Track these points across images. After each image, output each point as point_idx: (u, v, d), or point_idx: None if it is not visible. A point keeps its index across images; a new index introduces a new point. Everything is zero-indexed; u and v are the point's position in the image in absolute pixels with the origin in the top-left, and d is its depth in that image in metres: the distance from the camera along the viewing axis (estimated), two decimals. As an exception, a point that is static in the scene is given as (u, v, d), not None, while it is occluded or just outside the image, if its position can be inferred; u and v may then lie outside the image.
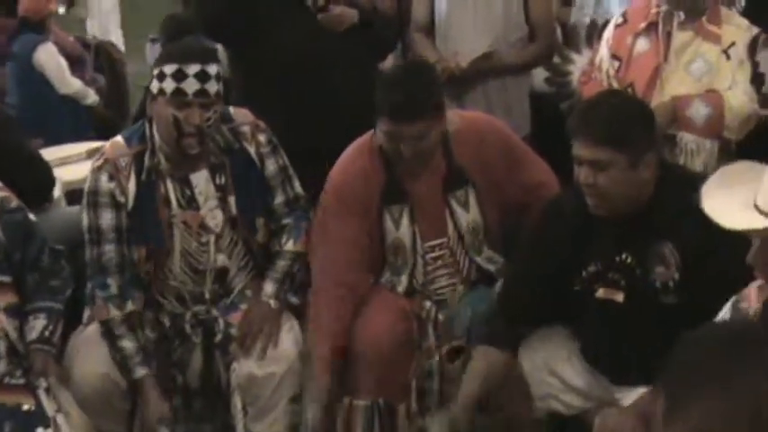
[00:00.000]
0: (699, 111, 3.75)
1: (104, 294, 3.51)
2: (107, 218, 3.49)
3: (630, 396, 3.26)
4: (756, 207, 2.38)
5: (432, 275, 3.70)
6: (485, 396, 3.39)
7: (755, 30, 3.87)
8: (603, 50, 3.97)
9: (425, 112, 3.47)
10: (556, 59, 4.24)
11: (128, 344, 3.48)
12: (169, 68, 3.40)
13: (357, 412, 3.62)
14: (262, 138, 3.61)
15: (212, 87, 3.40)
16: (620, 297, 3.27)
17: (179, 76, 3.38)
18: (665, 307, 3.19)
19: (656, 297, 3.19)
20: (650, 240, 3.14)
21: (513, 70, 4.49)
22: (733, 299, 2.57)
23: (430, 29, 4.57)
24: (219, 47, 4.42)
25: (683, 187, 3.10)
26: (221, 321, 3.59)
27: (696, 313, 2.77)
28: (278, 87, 4.21)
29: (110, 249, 3.50)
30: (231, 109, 3.64)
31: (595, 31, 4.26)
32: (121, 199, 3.49)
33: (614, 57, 3.93)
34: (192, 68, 3.38)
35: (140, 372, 3.48)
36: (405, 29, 4.60)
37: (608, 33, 4.04)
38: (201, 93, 3.39)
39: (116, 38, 8.31)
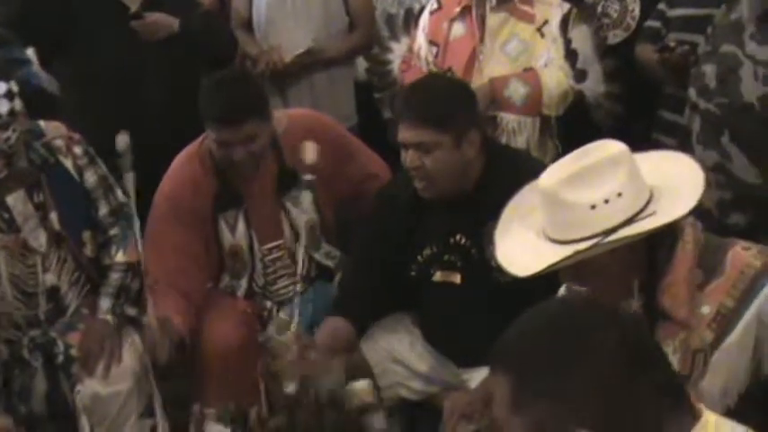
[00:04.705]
0: (517, 90, 3.80)
1: None
2: None
3: (477, 377, 3.31)
4: (548, 238, 2.33)
5: (271, 277, 3.71)
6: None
7: (566, 6, 3.91)
8: (421, 38, 4.00)
9: (251, 114, 3.45)
10: (375, 50, 4.25)
11: None
12: None
13: (209, 420, 3.61)
14: (77, 150, 3.49)
15: (2, 107, 3.24)
16: (457, 279, 3.32)
17: None
18: (501, 286, 3.22)
19: (493, 276, 3.25)
20: (482, 220, 3.15)
21: (336, 62, 4.49)
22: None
23: (250, 24, 4.54)
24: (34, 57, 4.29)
25: (510, 165, 3.17)
26: (60, 343, 3.51)
27: (533, 291, 2.84)
28: (96, 98, 4.09)
29: None
30: (42, 123, 3.49)
31: (412, 18, 4.27)
32: None
33: (432, 43, 3.95)
34: None
35: None
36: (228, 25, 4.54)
37: (424, 20, 4.05)
38: None
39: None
